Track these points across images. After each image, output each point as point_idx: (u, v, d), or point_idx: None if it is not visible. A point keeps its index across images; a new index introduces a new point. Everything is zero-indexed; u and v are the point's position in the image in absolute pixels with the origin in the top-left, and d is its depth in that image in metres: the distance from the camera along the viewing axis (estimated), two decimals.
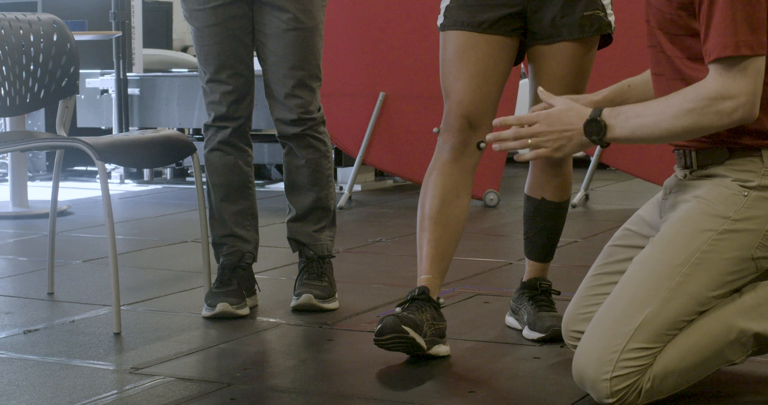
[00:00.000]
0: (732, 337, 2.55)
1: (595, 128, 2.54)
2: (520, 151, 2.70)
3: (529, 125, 2.60)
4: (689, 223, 2.55)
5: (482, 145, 3.05)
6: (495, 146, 2.65)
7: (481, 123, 3.05)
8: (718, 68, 2.44)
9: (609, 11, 3.11)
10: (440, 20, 3.11)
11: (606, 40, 3.15)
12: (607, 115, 2.53)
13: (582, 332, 2.67)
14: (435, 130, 3.12)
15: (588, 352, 2.55)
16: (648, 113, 2.50)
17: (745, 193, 2.53)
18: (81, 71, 3.81)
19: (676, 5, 2.54)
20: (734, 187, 2.54)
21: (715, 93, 2.43)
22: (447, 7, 3.10)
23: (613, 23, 3.12)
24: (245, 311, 3.51)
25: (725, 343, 2.55)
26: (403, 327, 2.88)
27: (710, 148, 2.58)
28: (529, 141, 2.58)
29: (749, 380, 2.80)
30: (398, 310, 2.97)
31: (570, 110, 2.58)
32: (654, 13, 2.61)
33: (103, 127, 7.47)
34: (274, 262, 4.36)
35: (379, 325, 2.90)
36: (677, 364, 2.52)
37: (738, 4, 2.42)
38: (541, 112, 2.61)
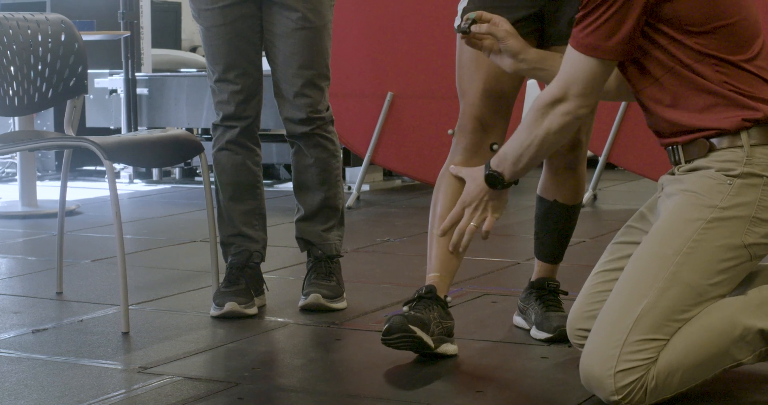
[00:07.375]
0: (736, 334, 2.56)
1: (494, 180, 2.77)
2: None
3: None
4: (679, 215, 2.58)
5: (495, 146, 3.04)
6: (453, 248, 2.90)
7: (494, 125, 3.04)
8: (562, 63, 2.63)
9: None
10: (457, 22, 3.10)
11: None
12: (495, 164, 2.76)
13: (587, 330, 2.67)
14: (450, 132, 3.12)
15: (593, 352, 2.55)
16: (515, 141, 2.70)
17: (730, 182, 2.56)
18: (90, 71, 3.81)
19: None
20: (719, 177, 2.57)
21: (550, 98, 2.62)
22: (464, 9, 3.08)
23: None
24: (253, 311, 3.51)
25: (730, 340, 2.55)
26: (410, 326, 2.88)
27: (694, 142, 2.60)
28: (472, 224, 2.82)
29: (758, 380, 2.80)
30: (405, 309, 2.97)
31: (469, 181, 2.82)
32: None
33: (111, 127, 7.48)
34: (283, 262, 4.36)
35: (386, 325, 2.90)
36: (681, 361, 2.51)
37: (604, 17, 2.57)
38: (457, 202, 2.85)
